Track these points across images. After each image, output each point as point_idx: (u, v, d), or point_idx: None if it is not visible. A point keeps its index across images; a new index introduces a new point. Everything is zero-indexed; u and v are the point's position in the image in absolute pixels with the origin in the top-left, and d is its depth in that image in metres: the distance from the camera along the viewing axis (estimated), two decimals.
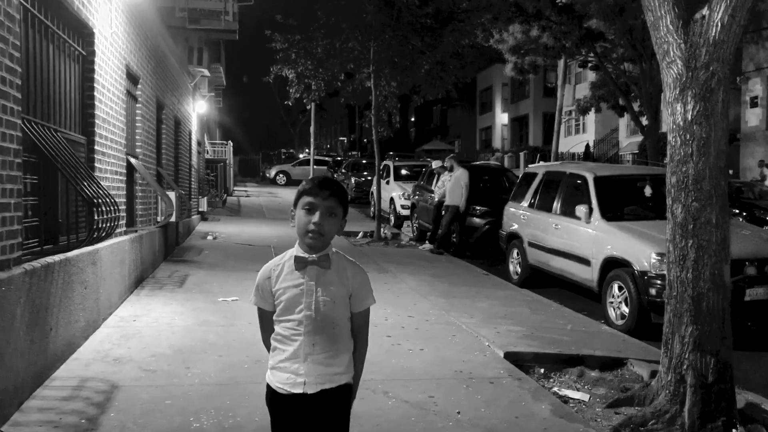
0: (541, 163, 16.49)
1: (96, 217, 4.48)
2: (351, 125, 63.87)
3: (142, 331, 5.43)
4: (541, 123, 41.44)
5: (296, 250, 2.18)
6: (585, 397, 4.60)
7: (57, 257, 4.38)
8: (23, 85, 3.99)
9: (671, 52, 4.06)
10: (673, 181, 4.08)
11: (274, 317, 2.19)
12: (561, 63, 23.46)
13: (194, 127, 15.89)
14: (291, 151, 59.94)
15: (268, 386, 2.22)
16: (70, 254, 4.63)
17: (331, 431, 2.18)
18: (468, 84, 47.30)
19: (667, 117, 4.22)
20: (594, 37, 17.45)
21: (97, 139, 5.69)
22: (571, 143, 34.89)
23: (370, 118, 13.96)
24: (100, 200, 4.63)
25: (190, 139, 14.58)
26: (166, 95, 10.55)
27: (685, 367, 3.98)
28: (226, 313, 6.22)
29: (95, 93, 5.63)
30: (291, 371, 2.15)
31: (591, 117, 32.65)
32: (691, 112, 3.97)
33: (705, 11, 3.95)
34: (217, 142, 28.50)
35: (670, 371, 4.06)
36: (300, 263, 2.15)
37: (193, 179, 14.71)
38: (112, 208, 4.83)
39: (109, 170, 6.16)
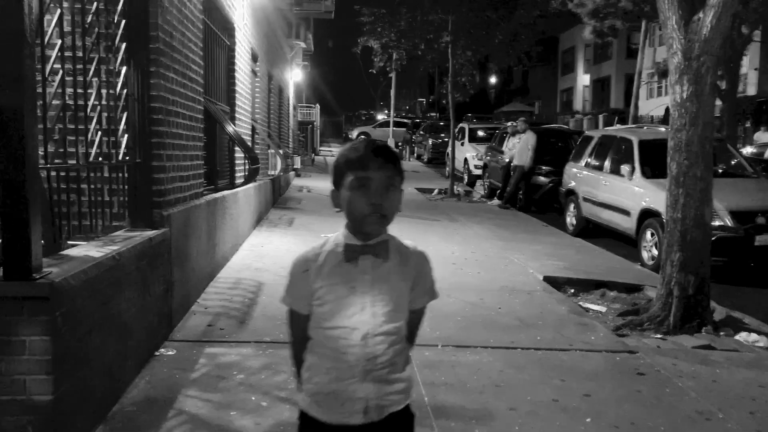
0: (619, 126, 17.32)
1: (250, 166, 6.30)
2: (430, 86, 64.76)
3: (269, 253, 7.29)
4: (623, 85, 41.09)
5: (344, 236, 1.69)
6: (603, 309, 6.03)
7: (218, 194, 6.23)
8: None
9: (674, 46, 5.31)
10: (671, 145, 5.38)
11: (314, 324, 1.71)
12: (643, 25, 23.65)
13: (291, 93, 17.84)
14: (371, 112, 61.78)
15: (306, 416, 1.72)
16: (224, 192, 6.48)
17: None
18: (550, 44, 46.96)
19: (671, 95, 5.49)
20: None
21: (237, 108, 7.52)
22: (652, 106, 34.67)
23: (448, 84, 15.36)
24: (249, 153, 6.45)
25: (288, 104, 16.53)
26: (273, 68, 12.40)
27: (672, 283, 5.34)
28: None
29: (236, 73, 7.43)
30: (345, 395, 1.65)
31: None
32: (686, 93, 5.24)
33: (700, 14, 5.17)
34: (305, 105, 30.49)
35: (663, 287, 5.44)
36: (351, 252, 1.66)
37: (290, 139, 16.69)
38: (256, 158, 6.64)
39: (243, 133, 8.00)
